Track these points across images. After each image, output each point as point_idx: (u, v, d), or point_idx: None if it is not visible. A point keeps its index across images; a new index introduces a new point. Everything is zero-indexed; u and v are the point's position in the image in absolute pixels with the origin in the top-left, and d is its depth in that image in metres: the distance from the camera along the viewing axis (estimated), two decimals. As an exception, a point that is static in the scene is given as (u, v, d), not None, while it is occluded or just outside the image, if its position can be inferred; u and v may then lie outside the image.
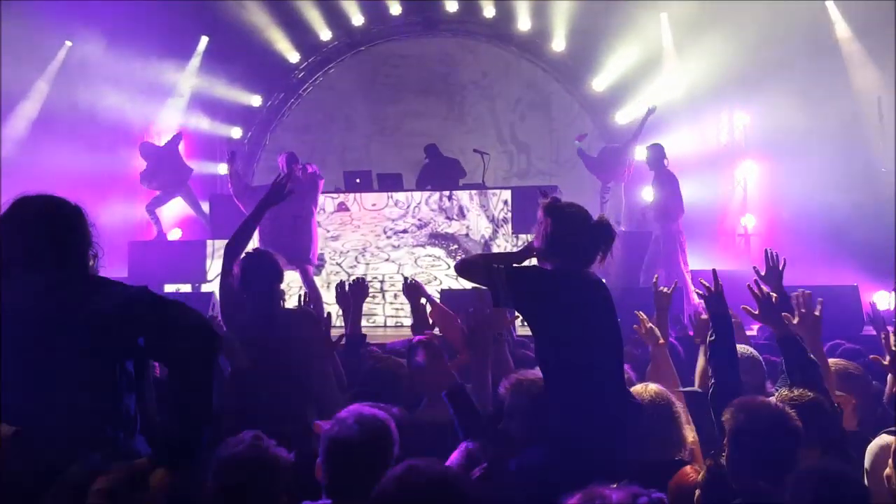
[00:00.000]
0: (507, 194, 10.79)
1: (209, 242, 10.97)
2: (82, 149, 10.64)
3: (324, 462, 2.82)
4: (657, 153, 9.66)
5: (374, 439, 2.76)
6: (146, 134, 12.22)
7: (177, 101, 12.78)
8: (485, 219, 10.76)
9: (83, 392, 2.47)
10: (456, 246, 10.70)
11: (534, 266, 3.55)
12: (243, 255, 4.45)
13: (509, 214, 10.64)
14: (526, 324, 3.52)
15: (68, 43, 11.48)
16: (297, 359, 4.29)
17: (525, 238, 10.22)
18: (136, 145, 11.68)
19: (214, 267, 10.53)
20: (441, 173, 11.40)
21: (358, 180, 11.37)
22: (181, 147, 11.89)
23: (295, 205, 9.09)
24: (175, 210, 12.23)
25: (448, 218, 10.83)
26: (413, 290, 5.41)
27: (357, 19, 13.51)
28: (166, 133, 12.32)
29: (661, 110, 11.09)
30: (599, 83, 12.93)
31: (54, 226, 2.59)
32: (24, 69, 10.72)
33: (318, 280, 9.84)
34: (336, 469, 2.79)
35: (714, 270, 3.71)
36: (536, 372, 3.47)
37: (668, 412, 3.37)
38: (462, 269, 3.65)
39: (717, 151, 12.15)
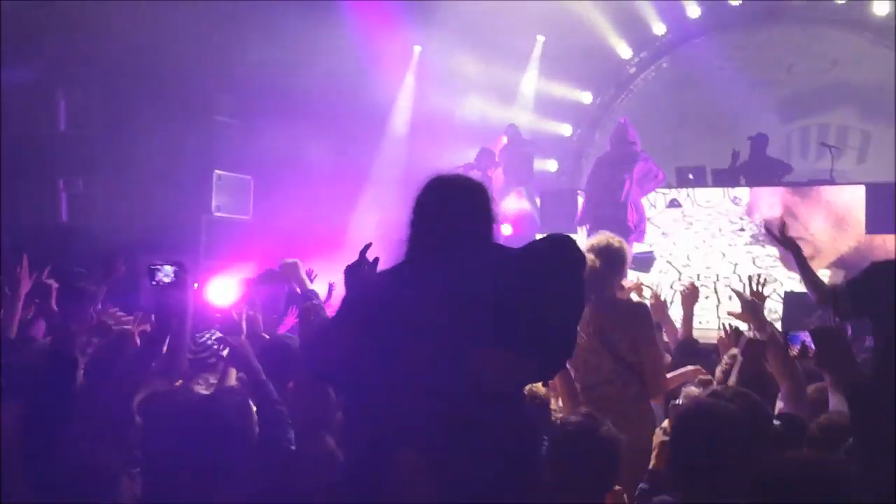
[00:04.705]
0: (860, 190, 9.89)
1: (538, 237, 11.12)
2: (442, 149, 11.35)
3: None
4: None
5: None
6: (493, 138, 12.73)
7: (514, 99, 13.13)
8: (833, 217, 9.96)
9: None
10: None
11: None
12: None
13: (862, 213, 9.75)
14: None
15: (417, 48, 12.19)
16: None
17: (882, 239, 9.35)
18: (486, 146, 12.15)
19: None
20: (759, 169, 10.73)
21: (691, 176, 11.00)
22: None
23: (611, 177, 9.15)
24: (510, 206, 12.60)
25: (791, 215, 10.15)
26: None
27: (693, 10, 13.09)
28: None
29: None
30: (970, 69, 11.50)
31: (475, 199, 2.69)
32: (389, 74, 11.59)
33: (647, 278, 9.63)
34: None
35: None
36: None
37: None
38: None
39: None
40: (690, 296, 5.40)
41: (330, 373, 2.53)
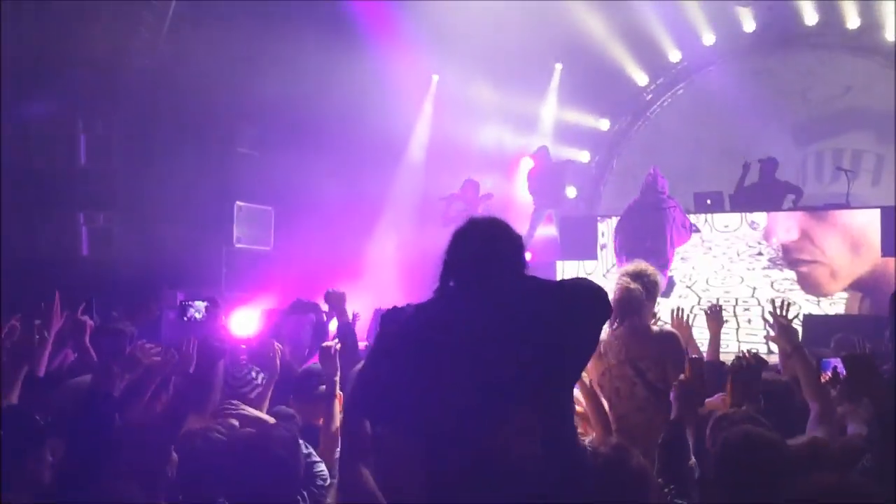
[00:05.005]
0: (875, 214, 9.91)
1: (559, 264, 11.17)
2: (459, 176, 11.42)
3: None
4: None
5: None
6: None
7: (530, 126, 13.21)
8: (849, 240, 9.97)
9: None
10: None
11: None
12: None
13: (878, 236, 9.75)
14: None
15: (435, 77, 12.31)
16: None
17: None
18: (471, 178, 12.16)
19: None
20: (766, 194, 10.75)
21: (709, 201, 11.05)
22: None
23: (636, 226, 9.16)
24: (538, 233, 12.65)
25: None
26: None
27: (708, 38, 13.16)
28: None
29: None
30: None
31: (506, 242, 2.75)
32: (407, 103, 11.69)
33: (667, 303, 9.64)
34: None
35: None
36: None
37: None
38: None
39: None
40: (716, 318, 5.40)
41: (378, 414, 2.58)
